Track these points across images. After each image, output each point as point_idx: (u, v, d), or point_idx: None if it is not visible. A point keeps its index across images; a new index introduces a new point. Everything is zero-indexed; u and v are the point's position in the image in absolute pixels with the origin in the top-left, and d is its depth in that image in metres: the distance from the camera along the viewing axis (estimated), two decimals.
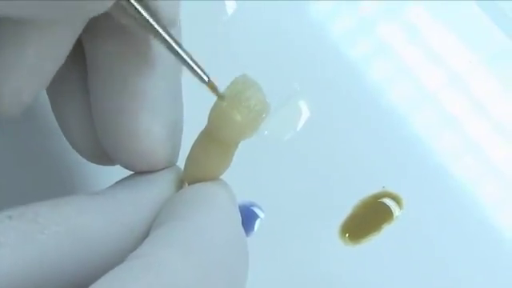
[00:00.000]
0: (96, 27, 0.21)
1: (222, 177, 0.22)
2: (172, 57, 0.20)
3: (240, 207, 0.29)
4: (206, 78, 0.20)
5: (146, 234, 0.19)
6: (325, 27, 0.34)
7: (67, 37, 0.20)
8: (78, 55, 0.22)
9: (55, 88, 0.23)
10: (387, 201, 0.30)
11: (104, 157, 0.23)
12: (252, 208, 0.30)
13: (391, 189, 0.30)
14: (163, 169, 0.22)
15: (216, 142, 0.20)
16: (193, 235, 0.18)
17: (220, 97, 0.20)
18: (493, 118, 0.32)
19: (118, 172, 0.22)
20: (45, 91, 0.24)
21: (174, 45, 0.19)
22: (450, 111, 0.32)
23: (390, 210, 0.30)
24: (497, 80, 0.33)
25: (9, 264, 0.17)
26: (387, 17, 0.35)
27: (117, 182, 0.21)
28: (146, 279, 0.16)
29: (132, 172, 0.22)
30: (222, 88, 0.20)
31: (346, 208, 0.30)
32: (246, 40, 0.33)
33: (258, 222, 0.30)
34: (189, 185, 0.22)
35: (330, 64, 0.33)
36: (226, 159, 0.21)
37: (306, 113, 0.32)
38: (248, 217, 0.30)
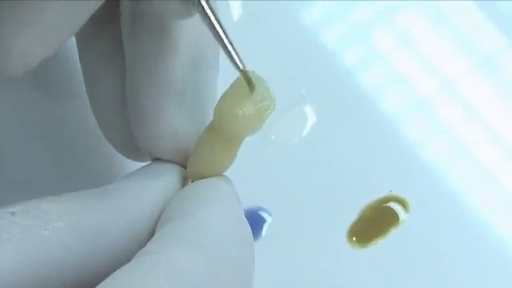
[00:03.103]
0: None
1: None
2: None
3: (247, 212, 0.30)
4: (241, 66, 0.20)
5: (150, 231, 0.20)
6: (324, 33, 0.34)
7: (83, 9, 0.19)
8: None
9: (88, 64, 0.23)
10: (394, 205, 0.30)
11: (133, 148, 0.23)
12: (259, 212, 0.30)
13: (398, 193, 0.30)
14: (168, 165, 0.22)
15: (221, 137, 0.20)
16: (201, 232, 0.18)
17: (250, 86, 0.20)
18: (488, 121, 0.32)
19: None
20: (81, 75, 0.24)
21: (217, 27, 0.19)
22: (449, 116, 0.32)
23: (397, 214, 0.30)
24: (492, 85, 0.33)
25: (12, 261, 0.17)
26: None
27: (122, 178, 0.21)
28: (155, 277, 0.16)
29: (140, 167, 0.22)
30: (227, 85, 0.20)
31: (352, 212, 0.30)
32: (252, 46, 0.34)
33: (265, 227, 0.30)
34: (192, 181, 0.22)
35: (335, 70, 0.33)
36: (231, 155, 0.21)
37: (312, 118, 0.32)
38: (255, 221, 0.30)
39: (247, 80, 0.20)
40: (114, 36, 0.23)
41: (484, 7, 0.34)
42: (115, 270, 0.16)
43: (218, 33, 0.19)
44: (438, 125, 0.32)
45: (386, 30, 0.34)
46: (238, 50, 0.19)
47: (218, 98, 0.20)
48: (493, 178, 0.31)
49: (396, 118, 0.32)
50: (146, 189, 0.20)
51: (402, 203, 0.30)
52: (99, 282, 0.16)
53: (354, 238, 0.30)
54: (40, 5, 0.18)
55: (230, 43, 0.19)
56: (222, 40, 0.19)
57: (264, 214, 0.30)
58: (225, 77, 0.21)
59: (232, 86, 0.20)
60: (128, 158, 0.25)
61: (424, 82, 0.33)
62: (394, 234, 0.30)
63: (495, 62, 0.33)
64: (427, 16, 0.34)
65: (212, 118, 0.21)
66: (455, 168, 0.31)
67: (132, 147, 0.23)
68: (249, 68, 0.20)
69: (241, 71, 0.19)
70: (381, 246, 0.30)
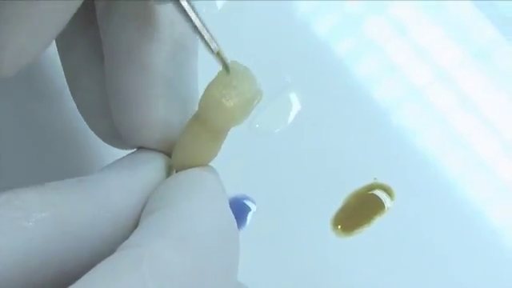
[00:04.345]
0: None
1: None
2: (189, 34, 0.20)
3: (232, 200, 0.29)
4: (215, 48, 0.19)
5: (134, 221, 0.19)
6: (314, 22, 0.34)
7: (71, 3, 0.19)
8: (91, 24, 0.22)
9: (70, 60, 0.23)
10: (379, 192, 0.30)
11: (118, 137, 0.23)
12: (244, 201, 0.30)
13: (383, 180, 0.31)
14: (153, 153, 0.22)
15: (206, 128, 0.20)
16: (186, 223, 0.18)
17: (226, 68, 0.19)
18: (480, 111, 0.32)
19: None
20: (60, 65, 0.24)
21: (189, 12, 0.19)
22: (439, 104, 0.32)
23: (382, 202, 0.30)
24: (484, 75, 0.33)
25: None
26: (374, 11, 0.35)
27: (105, 167, 0.21)
28: (138, 270, 0.16)
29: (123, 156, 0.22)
30: (212, 77, 0.20)
31: (337, 200, 0.30)
32: (236, 33, 0.33)
33: (250, 215, 0.30)
34: (177, 171, 0.22)
35: (320, 58, 0.33)
36: (216, 146, 0.21)
37: (296, 105, 0.32)
38: (240, 210, 0.30)
39: (222, 62, 0.19)
40: (94, 35, 0.23)
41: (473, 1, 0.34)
42: (98, 262, 0.16)
43: (188, 16, 0.19)
44: (430, 114, 0.32)
45: (379, 20, 0.34)
46: (212, 33, 0.19)
47: (199, 87, 0.20)
48: (486, 167, 0.31)
49: (389, 107, 0.32)
50: (130, 178, 0.20)
51: (387, 191, 0.30)
52: (82, 275, 0.16)
53: (339, 226, 0.30)
54: (23, 3, 0.18)
55: (204, 26, 0.19)
56: (195, 24, 0.19)
57: (248, 203, 0.30)
58: (209, 70, 0.20)
59: (217, 77, 0.20)
60: (115, 147, 0.24)
61: (417, 71, 0.33)
62: (378, 222, 0.30)
63: (489, 52, 0.33)
64: (420, 5, 0.34)
65: (196, 109, 0.20)
66: (448, 157, 0.31)
67: (118, 136, 0.23)
68: (232, 58, 0.19)
69: (215, 54, 0.19)
70: (366, 234, 0.30)
